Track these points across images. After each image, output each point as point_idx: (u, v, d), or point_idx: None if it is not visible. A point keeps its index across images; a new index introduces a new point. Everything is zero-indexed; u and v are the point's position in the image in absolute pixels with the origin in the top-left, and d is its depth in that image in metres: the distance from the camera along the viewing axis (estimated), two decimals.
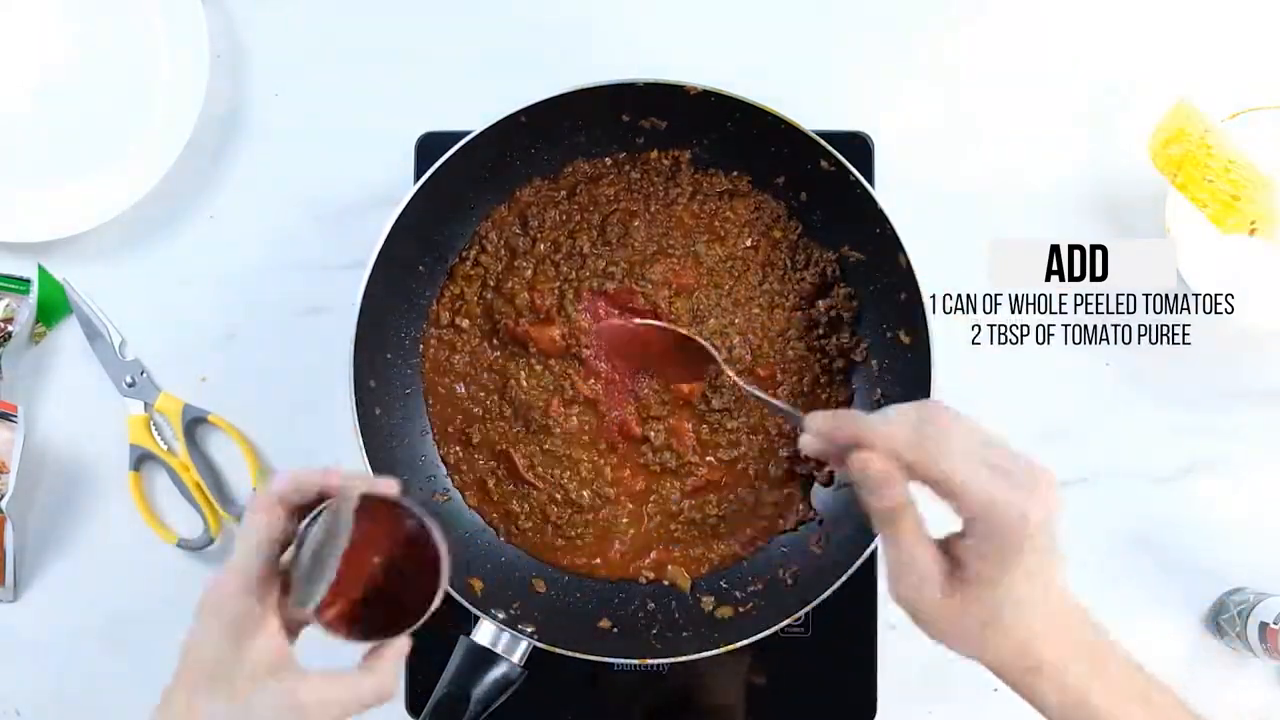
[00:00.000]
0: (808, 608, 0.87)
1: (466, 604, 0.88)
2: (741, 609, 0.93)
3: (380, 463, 0.90)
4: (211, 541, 0.99)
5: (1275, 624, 0.92)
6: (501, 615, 0.88)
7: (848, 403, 0.97)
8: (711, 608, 0.94)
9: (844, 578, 0.87)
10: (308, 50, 1.03)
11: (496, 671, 0.84)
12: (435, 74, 1.02)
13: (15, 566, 0.99)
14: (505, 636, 0.85)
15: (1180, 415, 1.01)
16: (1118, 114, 1.02)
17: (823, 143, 0.89)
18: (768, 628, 0.87)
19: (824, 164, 0.90)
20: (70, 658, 1.00)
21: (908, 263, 0.88)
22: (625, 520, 0.96)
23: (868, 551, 0.87)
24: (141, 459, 1.00)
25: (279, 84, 1.03)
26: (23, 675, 0.99)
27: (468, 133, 0.89)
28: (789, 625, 0.88)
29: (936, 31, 1.03)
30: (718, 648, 0.87)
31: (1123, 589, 1.00)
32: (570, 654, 0.87)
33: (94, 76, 1.01)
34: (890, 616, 0.97)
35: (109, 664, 1.00)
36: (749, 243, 0.96)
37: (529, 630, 0.87)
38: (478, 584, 0.91)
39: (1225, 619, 0.98)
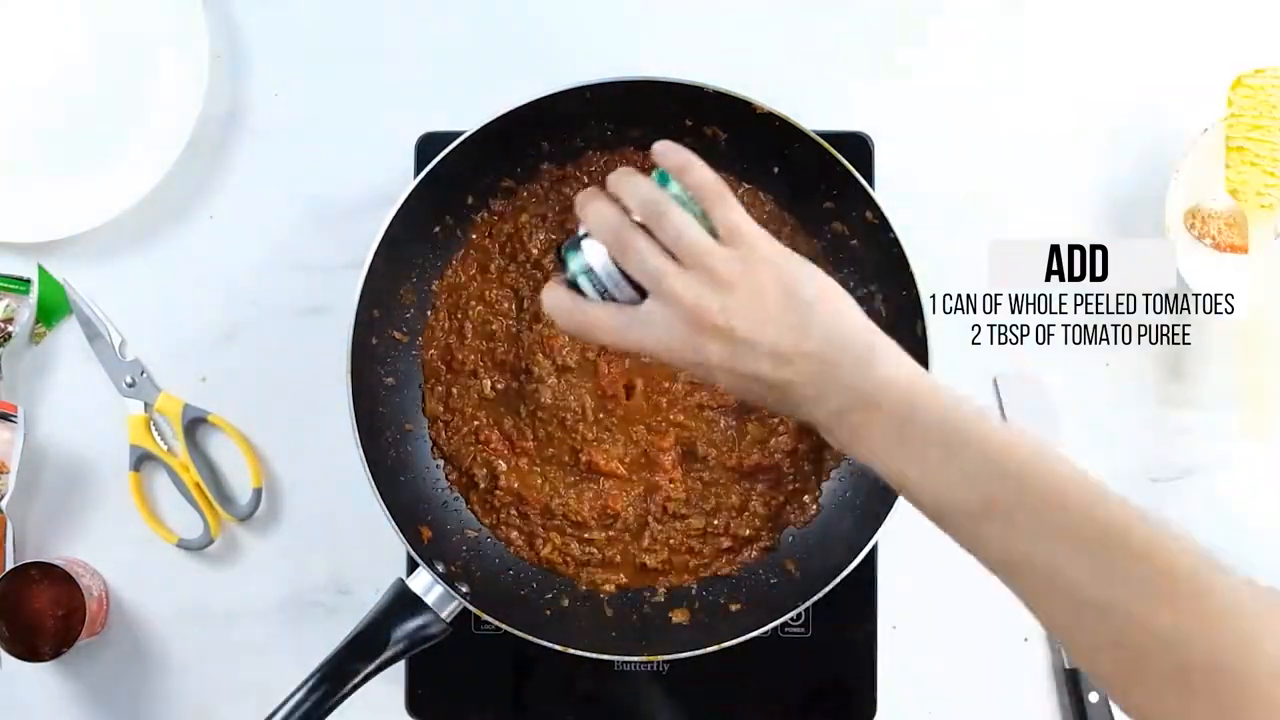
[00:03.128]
0: (741, 638, 0.87)
1: (410, 548, 0.87)
2: (696, 616, 0.93)
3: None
4: (211, 541, 0.99)
5: None
6: (441, 569, 0.87)
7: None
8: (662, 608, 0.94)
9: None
10: (308, 50, 1.03)
11: (420, 619, 0.84)
12: (435, 74, 1.02)
13: None
14: (438, 590, 0.85)
15: (1180, 415, 1.01)
16: (1117, 114, 1.02)
17: (872, 193, 0.89)
18: (698, 647, 0.88)
19: (869, 215, 0.90)
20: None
21: (924, 331, 0.88)
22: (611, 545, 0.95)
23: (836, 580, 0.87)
24: (141, 459, 1.00)
25: (279, 84, 1.02)
26: (22, 675, 0.99)
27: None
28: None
29: (936, 32, 1.03)
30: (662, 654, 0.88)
31: None
32: (501, 625, 0.87)
33: (94, 76, 1.01)
34: (890, 616, 0.97)
35: (108, 664, 1.00)
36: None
37: (464, 590, 0.86)
38: (426, 532, 0.91)
39: None
